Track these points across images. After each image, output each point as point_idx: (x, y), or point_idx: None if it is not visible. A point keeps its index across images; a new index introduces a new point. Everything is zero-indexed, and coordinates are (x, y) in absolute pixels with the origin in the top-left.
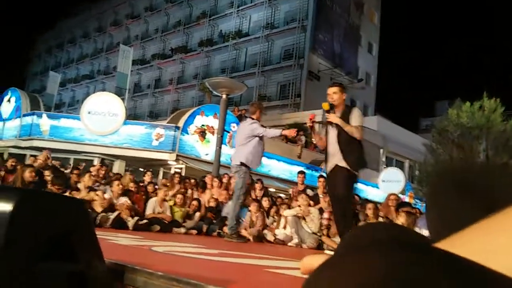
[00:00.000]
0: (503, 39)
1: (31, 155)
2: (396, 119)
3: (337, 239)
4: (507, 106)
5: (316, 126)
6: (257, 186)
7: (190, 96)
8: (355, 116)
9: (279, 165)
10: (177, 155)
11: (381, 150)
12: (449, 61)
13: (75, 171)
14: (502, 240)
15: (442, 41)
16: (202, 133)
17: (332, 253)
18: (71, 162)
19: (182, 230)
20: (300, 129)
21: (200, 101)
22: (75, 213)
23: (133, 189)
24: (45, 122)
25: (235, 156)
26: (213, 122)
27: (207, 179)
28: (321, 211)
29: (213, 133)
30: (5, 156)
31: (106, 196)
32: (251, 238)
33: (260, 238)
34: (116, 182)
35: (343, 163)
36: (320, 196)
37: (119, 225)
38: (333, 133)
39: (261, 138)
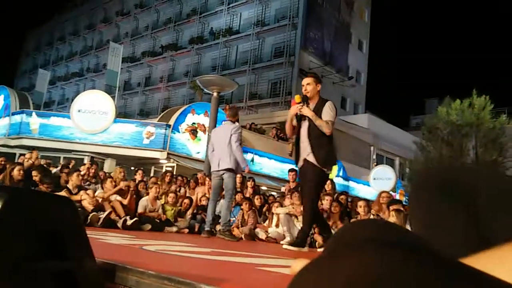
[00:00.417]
0: (492, 36)
1: (21, 154)
2: (386, 116)
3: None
4: (496, 104)
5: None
6: (249, 184)
7: (181, 94)
8: (327, 111)
9: (270, 163)
10: (168, 154)
11: (372, 148)
12: (439, 58)
13: (65, 170)
14: None
15: (432, 38)
16: (193, 131)
17: None
18: (61, 160)
19: (174, 229)
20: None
21: (191, 99)
22: (64, 212)
23: (123, 187)
24: (34, 121)
25: (219, 161)
26: (204, 120)
27: (199, 177)
28: None
29: (204, 131)
30: None
31: (97, 194)
32: (243, 236)
33: (252, 236)
34: (108, 180)
35: (312, 159)
36: None
37: (110, 224)
38: (304, 126)
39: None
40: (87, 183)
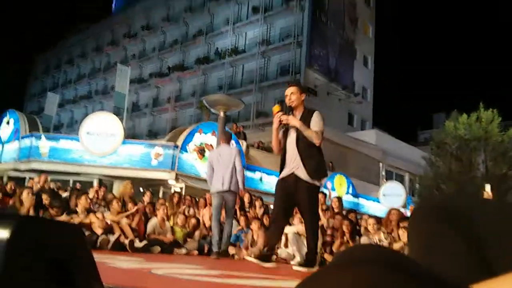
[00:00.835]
0: (497, 47)
1: (31, 178)
2: (394, 132)
3: None
4: (504, 117)
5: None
6: (257, 203)
7: (188, 114)
8: (316, 120)
9: None
10: (176, 174)
11: (381, 164)
12: (446, 71)
13: (74, 193)
14: None
15: (437, 51)
16: (201, 151)
17: None
18: (71, 183)
19: (183, 250)
20: None
21: (199, 118)
22: (72, 238)
23: (134, 212)
24: (44, 144)
25: (223, 181)
26: (211, 139)
27: (207, 198)
28: (322, 228)
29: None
30: (5, 179)
31: (106, 216)
32: (253, 257)
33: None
34: (114, 201)
35: (302, 174)
36: (320, 213)
37: (120, 246)
38: (291, 137)
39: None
40: (96, 205)
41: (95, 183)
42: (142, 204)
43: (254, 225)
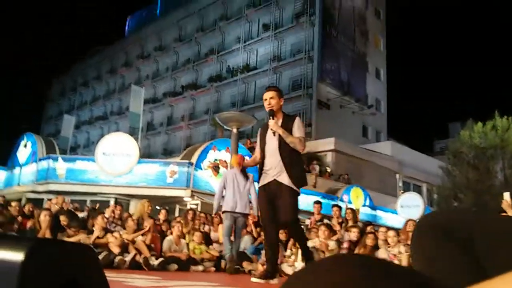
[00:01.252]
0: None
1: (49, 199)
2: (409, 143)
3: None
4: None
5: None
6: None
7: (202, 131)
8: (298, 127)
9: None
10: (192, 191)
11: (397, 175)
12: (460, 80)
13: (91, 213)
14: None
15: (450, 60)
16: (216, 168)
17: None
18: (88, 203)
19: (200, 267)
20: (314, 158)
21: (213, 135)
22: (85, 259)
23: (148, 226)
24: (61, 166)
25: (236, 204)
26: (225, 156)
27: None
28: (338, 242)
29: (226, 167)
30: (23, 201)
31: (122, 235)
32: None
33: (278, 272)
34: (129, 219)
35: (285, 180)
36: (336, 226)
37: (136, 265)
38: (273, 143)
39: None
40: (113, 225)
41: (112, 203)
42: (153, 221)
43: None
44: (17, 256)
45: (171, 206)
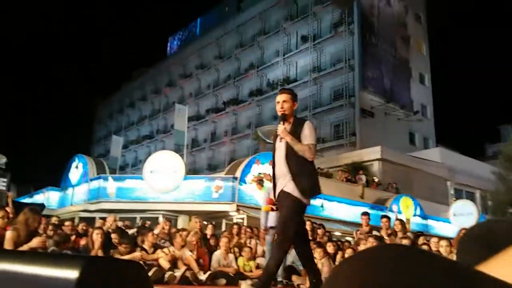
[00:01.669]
0: None
1: (100, 218)
2: (459, 148)
3: None
4: None
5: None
6: (319, 232)
7: (245, 145)
8: (308, 133)
9: (341, 207)
10: (237, 206)
11: (448, 183)
12: (509, 81)
13: (140, 230)
14: None
15: (497, 60)
16: (260, 181)
17: None
18: (138, 220)
19: (249, 282)
20: (360, 168)
21: (256, 149)
22: (136, 277)
23: (194, 241)
24: (111, 185)
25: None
26: (269, 169)
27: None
28: None
29: (270, 180)
30: (76, 220)
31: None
32: None
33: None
34: (177, 235)
35: (290, 188)
36: (385, 238)
37: (186, 281)
38: (280, 151)
39: None
40: (162, 241)
41: (161, 219)
42: (197, 235)
43: (318, 254)
44: (72, 273)
45: (218, 221)
